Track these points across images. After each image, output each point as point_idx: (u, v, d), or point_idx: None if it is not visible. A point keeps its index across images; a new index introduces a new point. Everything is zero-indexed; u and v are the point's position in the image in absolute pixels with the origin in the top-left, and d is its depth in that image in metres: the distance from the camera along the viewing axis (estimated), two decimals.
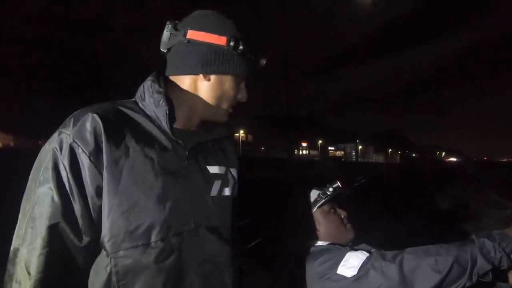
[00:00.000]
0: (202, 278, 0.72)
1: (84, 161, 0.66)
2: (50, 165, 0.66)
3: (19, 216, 0.68)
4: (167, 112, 0.73)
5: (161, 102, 0.74)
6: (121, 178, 0.67)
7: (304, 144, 78.09)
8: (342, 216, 1.19)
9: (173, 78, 0.81)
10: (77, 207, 0.65)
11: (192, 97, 0.80)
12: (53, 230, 0.64)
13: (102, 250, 0.68)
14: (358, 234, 1.18)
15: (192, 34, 0.76)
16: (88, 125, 0.67)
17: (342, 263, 0.98)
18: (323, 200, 1.18)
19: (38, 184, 0.66)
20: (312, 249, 1.10)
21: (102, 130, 0.67)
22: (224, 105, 0.82)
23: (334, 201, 1.22)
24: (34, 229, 0.64)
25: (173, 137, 0.75)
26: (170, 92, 0.78)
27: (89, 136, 0.67)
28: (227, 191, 0.82)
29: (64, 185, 0.65)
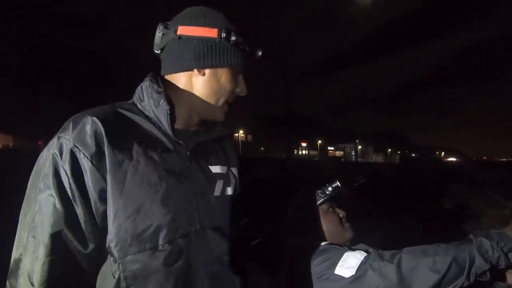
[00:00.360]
0: (211, 278, 0.72)
1: (86, 165, 0.64)
2: (50, 171, 0.64)
3: (19, 225, 0.66)
4: (169, 112, 0.72)
5: (161, 102, 0.73)
6: (126, 181, 0.66)
7: (304, 144, 78.08)
8: (341, 216, 1.19)
9: (168, 77, 0.80)
10: (80, 213, 0.64)
11: (189, 95, 0.79)
12: (56, 238, 0.62)
13: (109, 255, 0.67)
14: (357, 234, 1.19)
15: (182, 30, 0.75)
16: (88, 128, 0.66)
17: (340, 263, 0.98)
18: (322, 199, 1.19)
19: (38, 192, 0.64)
20: (310, 249, 1.10)
21: (103, 133, 0.66)
22: (222, 101, 0.81)
23: (333, 200, 1.22)
24: (36, 238, 0.62)
25: (174, 138, 0.74)
26: (168, 92, 0.77)
27: (89, 140, 0.65)
28: (229, 191, 0.82)
29: (66, 191, 0.63)
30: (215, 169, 0.80)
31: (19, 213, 0.67)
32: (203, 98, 0.79)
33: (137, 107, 0.76)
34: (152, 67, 0.83)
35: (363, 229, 1.25)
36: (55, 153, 0.65)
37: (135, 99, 0.77)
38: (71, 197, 0.64)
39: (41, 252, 0.61)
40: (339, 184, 1.21)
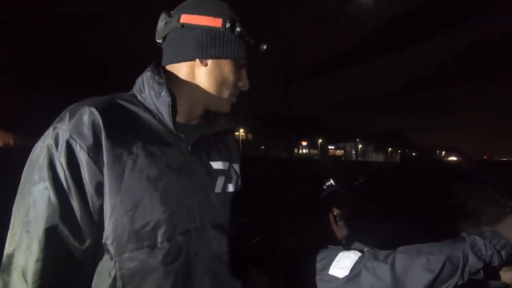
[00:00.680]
0: (211, 277, 0.70)
1: (83, 157, 0.61)
2: (45, 163, 0.61)
3: (12, 219, 0.63)
4: (170, 104, 0.69)
5: (163, 94, 0.70)
6: (124, 176, 0.63)
7: (304, 143, 78.00)
8: (335, 214, 1.18)
9: (169, 68, 0.77)
10: (76, 207, 0.61)
11: (191, 86, 0.76)
12: (51, 233, 0.59)
13: (105, 252, 0.64)
14: (354, 233, 1.18)
15: (185, 18, 0.73)
16: (86, 119, 0.63)
17: (334, 263, 0.97)
18: None
19: (32, 184, 0.61)
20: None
21: (101, 124, 0.63)
22: (225, 94, 0.78)
23: (328, 199, 1.21)
24: (30, 233, 0.59)
25: (175, 132, 0.71)
26: (169, 83, 0.73)
27: (87, 131, 0.62)
28: (230, 187, 0.80)
29: (62, 183, 0.61)
30: (217, 165, 0.78)
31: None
32: (206, 89, 0.76)
33: (138, 98, 0.73)
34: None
35: (361, 228, 1.25)
36: (51, 144, 0.62)
37: (135, 90, 0.75)
38: (66, 190, 0.61)
39: (35, 248, 0.59)
40: (333, 183, 1.20)
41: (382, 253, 0.94)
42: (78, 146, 0.61)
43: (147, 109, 0.71)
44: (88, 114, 0.63)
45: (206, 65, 0.75)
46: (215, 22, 0.73)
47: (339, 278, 0.94)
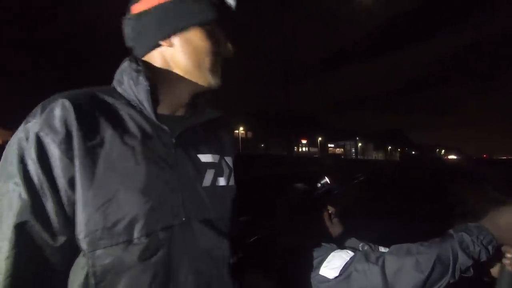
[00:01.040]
0: (196, 274, 0.66)
1: (54, 151, 0.59)
2: (15, 157, 0.58)
3: None
4: (148, 88, 0.66)
5: (141, 79, 0.67)
6: (96, 169, 0.60)
7: (304, 141, 78.06)
8: (330, 211, 1.18)
9: (145, 59, 0.74)
10: (49, 202, 0.59)
11: (169, 73, 0.72)
12: (21, 229, 0.57)
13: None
14: (351, 231, 1.18)
15: (136, 8, 0.71)
16: (57, 112, 0.60)
17: (324, 263, 0.96)
18: None
19: (2, 180, 0.59)
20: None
21: (74, 117, 0.60)
22: (206, 66, 0.73)
23: (323, 197, 1.20)
24: (0, 230, 0.57)
25: (156, 122, 0.68)
26: (148, 73, 0.70)
27: (58, 124, 0.60)
28: (221, 181, 0.75)
29: (32, 178, 0.58)
30: (205, 158, 0.73)
31: None
32: (184, 71, 0.72)
33: (118, 91, 0.70)
34: None
35: (356, 226, 1.25)
36: (21, 138, 0.60)
37: (115, 83, 0.71)
38: (38, 186, 0.58)
39: (5, 245, 0.56)
40: (328, 181, 1.19)
41: (373, 254, 0.93)
42: (49, 139, 0.59)
43: (127, 101, 0.68)
44: (60, 107, 0.61)
45: (173, 45, 0.71)
46: None
47: (329, 279, 0.93)
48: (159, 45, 0.71)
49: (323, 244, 1.07)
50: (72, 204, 0.60)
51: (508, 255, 0.85)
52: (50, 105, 0.62)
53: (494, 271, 0.90)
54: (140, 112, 0.68)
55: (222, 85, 0.76)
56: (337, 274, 0.92)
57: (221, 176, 0.76)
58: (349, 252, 0.98)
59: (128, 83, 0.68)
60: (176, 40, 0.71)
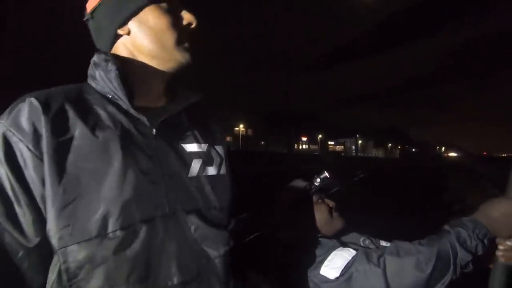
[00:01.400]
0: (183, 266, 0.63)
1: (23, 150, 0.58)
2: None
3: None
4: (117, 72, 0.65)
5: (109, 65, 0.66)
6: (66, 165, 0.59)
7: (304, 139, 78.09)
8: (330, 206, 1.18)
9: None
10: (19, 201, 0.58)
11: (136, 61, 0.71)
12: None
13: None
14: (352, 226, 1.17)
15: (88, 7, 0.71)
16: (25, 111, 0.60)
17: (326, 262, 0.95)
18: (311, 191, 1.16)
19: None
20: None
21: (42, 115, 0.60)
22: (170, 43, 0.71)
23: (323, 191, 1.20)
24: None
25: (133, 113, 0.66)
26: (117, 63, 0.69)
27: (25, 122, 0.59)
28: (211, 170, 0.73)
29: (1, 178, 0.58)
30: (191, 147, 0.72)
31: None
32: (150, 56, 0.71)
33: (91, 86, 0.70)
34: None
35: (358, 222, 1.25)
36: None
37: (88, 79, 0.71)
38: (8, 187, 0.58)
39: None
40: (327, 175, 1.18)
41: (375, 254, 0.93)
42: (16, 139, 0.59)
43: (101, 95, 0.68)
44: (28, 106, 0.61)
45: (130, 32, 0.70)
46: None
47: (330, 279, 0.92)
48: (118, 36, 0.71)
49: (324, 240, 1.06)
50: (45, 202, 0.59)
51: (501, 247, 0.87)
52: (18, 105, 0.62)
53: (487, 263, 0.91)
54: (116, 104, 0.67)
55: (193, 60, 0.73)
56: (338, 275, 0.92)
57: (210, 165, 0.74)
58: (351, 250, 0.97)
59: (99, 74, 0.68)
60: (132, 25, 0.70)
